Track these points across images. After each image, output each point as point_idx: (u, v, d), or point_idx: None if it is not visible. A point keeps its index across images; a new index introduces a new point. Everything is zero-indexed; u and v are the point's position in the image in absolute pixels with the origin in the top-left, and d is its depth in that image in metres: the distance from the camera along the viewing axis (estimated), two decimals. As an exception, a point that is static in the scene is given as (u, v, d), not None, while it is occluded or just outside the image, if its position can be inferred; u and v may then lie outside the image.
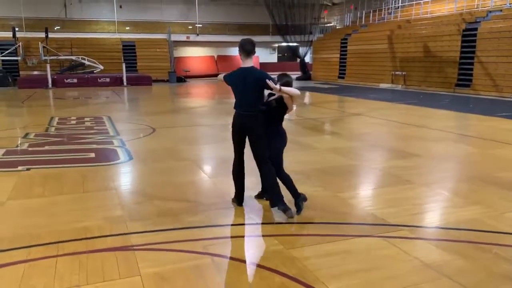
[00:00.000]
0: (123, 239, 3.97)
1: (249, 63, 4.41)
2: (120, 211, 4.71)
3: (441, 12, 23.44)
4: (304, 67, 32.49)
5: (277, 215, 4.50)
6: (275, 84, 4.22)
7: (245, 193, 4.86)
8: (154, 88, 24.50)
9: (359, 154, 7.47)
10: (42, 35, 27.78)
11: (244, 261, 3.58)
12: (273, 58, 40.18)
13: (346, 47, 28.25)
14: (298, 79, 31.58)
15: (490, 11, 19.88)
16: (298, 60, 35.00)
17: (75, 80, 24.79)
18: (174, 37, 32.17)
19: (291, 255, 3.60)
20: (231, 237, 4.04)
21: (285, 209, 4.41)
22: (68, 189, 5.51)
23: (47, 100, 18.03)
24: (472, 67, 19.12)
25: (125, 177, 6.23)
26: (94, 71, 27.64)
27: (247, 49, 4.37)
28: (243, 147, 4.61)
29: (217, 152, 7.75)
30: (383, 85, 23.95)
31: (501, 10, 19.68)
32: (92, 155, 7.47)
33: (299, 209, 4.54)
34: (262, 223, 4.33)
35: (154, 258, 3.61)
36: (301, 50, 33.15)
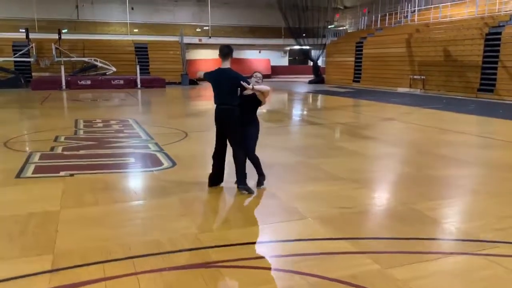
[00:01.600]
0: (202, 254, 3.67)
1: (226, 64, 5.21)
2: (186, 222, 4.41)
3: (461, 16, 23.12)
4: (317, 70, 32.21)
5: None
6: (248, 83, 5.05)
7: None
8: (168, 91, 24.26)
9: (411, 161, 7.15)
10: (55, 36, 27.63)
11: (343, 282, 3.27)
12: (284, 61, 39.96)
13: (361, 50, 27.95)
14: (310, 82, 31.32)
15: (514, 15, 19.56)
16: (311, 63, 34.75)
17: (88, 82, 24.58)
18: (186, 40, 31.95)
19: (393, 276, 3.29)
20: (320, 253, 3.72)
21: (246, 189, 5.27)
22: (121, 197, 5.22)
23: (65, 102, 17.81)
24: (496, 72, 18.80)
25: (175, 184, 5.91)
26: (107, 73, 27.42)
27: (224, 52, 5.18)
28: (224, 135, 5.35)
29: (262, 157, 7.42)
30: (401, 89, 23.64)
31: (524, 14, 19.36)
32: (132, 160, 7.18)
33: (260, 184, 5.48)
34: (347, 238, 4.01)
35: (243, 277, 3.31)
36: (314, 53, 32.89)
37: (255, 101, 5.34)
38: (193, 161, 7.13)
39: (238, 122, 5.22)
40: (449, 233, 4.19)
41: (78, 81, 24.40)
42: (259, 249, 3.78)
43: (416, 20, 26.18)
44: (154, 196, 5.26)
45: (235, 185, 5.39)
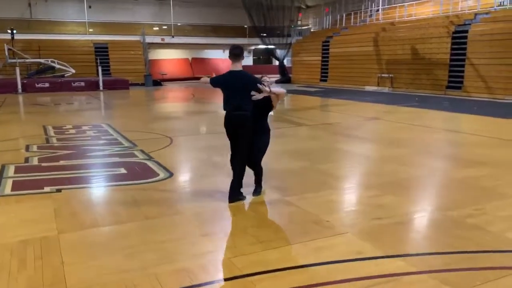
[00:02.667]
0: (245, 284, 3.15)
1: (238, 66, 4.83)
2: (211, 243, 3.88)
3: (425, 14, 23.54)
4: (283, 69, 32.00)
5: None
6: (264, 85, 4.71)
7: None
8: (133, 93, 23.24)
9: (421, 163, 6.87)
10: (6, 36, 25.85)
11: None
12: (248, 61, 39.52)
13: (327, 49, 27.97)
14: (277, 82, 31.04)
15: (478, 14, 20.05)
16: (276, 62, 34.47)
17: (47, 85, 23.12)
18: (148, 39, 30.87)
19: (473, 299, 2.92)
20: (384, 276, 3.27)
21: (241, 199, 4.94)
22: (125, 215, 4.58)
23: (25, 106, 16.52)
24: (463, 69, 19.19)
25: (182, 197, 5.32)
26: (65, 75, 25.96)
27: (236, 53, 4.80)
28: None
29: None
30: (368, 88, 23.79)
31: (487, 13, 19.88)
32: (123, 170, 6.50)
33: (256, 193, 5.13)
34: (400, 256, 3.60)
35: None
36: (279, 53, 32.65)
37: (266, 106, 5.03)
38: (190, 169, 6.56)
39: (251, 130, 4.88)
40: (508, 243, 3.87)
41: (36, 84, 22.89)
42: (312, 274, 3.30)
43: (381, 19, 26.47)
44: (163, 213, 4.66)
45: (251, 196, 4.92)
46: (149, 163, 6.94)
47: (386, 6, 27.50)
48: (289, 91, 23.20)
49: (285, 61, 32.88)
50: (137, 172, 6.48)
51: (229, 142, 5.08)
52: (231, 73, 4.86)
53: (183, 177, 6.08)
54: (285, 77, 31.48)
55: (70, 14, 31.34)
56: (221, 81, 4.96)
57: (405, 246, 3.80)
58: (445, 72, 20.10)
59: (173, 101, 19.96)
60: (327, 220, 4.35)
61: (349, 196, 5.22)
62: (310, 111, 14.02)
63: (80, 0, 30.95)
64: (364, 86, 24.09)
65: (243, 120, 4.81)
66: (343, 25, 29.07)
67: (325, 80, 27.89)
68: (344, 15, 29.41)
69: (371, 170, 6.46)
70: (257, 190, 5.19)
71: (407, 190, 5.41)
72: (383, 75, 23.24)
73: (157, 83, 28.73)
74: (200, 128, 10.80)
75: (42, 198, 5.19)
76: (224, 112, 4.91)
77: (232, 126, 4.87)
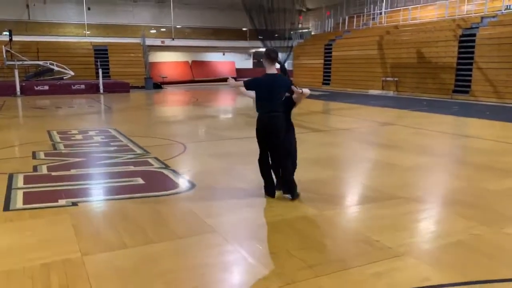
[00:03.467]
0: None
1: (273, 69, 4.98)
2: (253, 268, 3.48)
3: (430, 18, 23.30)
4: (284, 73, 31.42)
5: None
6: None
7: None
8: (134, 96, 22.79)
9: (455, 173, 6.51)
10: (3, 38, 25.39)
11: None
12: (248, 64, 39.17)
13: (330, 52, 27.68)
14: (278, 85, 30.68)
15: (485, 17, 19.82)
16: (277, 65, 34.10)
17: (46, 88, 22.62)
18: (148, 41, 30.45)
19: None
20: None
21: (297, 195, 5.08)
22: (153, 233, 4.17)
23: (26, 110, 16.05)
24: (471, 73, 18.93)
25: (211, 211, 4.90)
26: (64, 78, 25.47)
27: (272, 57, 4.95)
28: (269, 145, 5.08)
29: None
30: (372, 92, 23.50)
31: (494, 16, 19.66)
32: (140, 180, 6.09)
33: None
34: (476, 283, 3.22)
35: None
36: (281, 56, 32.30)
37: (289, 104, 5.21)
38: (212, 179, 6.15)
39: (284, 130, 5.07)
40: None
41: (35, 87, 22.39)
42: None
43: (384, 22, 26.21)
44: (194, 231, 4.26)
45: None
46: (167, 172, 6.54)
47: (389, 9, 27.28)
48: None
49: (286, 64, 32.54)
50: (156, 182, 6.08)
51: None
52: (268, 76, 4.98)
53: (207, 188, 5.67)
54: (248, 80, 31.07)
55: (69, 16, 30.87)
56: (258, 83, 5.02)
57: (476, 270, 3.41)
58: (452, 76, 19.83)
59: (176, 104, 19.54)
60: (376, 240, 3.97)
61: (394, 210, 4.84)
62: (321, 116, 13.67)
63: (79, 2, 30.50)
64: (368, 90, 23.79)
65: (277, 122, 4.96)
66: (346, 28, 28.82)
67: (328, 84, 27.58)
68: (346, 18, 29.13)
69: (407, 180, 6.09)
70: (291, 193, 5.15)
71: (454, 203, 5.03)
72: (387, 78, 22.95)
73: (158, 86, 28.31)
74: (211, 134, 10.40)
75: (58, 212, 4.78)
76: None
77: (267, 128, 4.97)
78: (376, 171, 6.57)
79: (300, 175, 5.82)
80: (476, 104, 17.07)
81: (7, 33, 24.98)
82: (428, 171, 6.61)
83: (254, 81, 5.07)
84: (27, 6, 29.92)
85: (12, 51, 24.76)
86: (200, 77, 34.35)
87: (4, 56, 24.19)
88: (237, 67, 37.01)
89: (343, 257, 3.68)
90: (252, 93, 5.22)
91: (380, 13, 27.52)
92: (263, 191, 5.33)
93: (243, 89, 5.19)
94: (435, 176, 6.29)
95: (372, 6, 28.54)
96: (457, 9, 21.60)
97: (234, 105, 20.78)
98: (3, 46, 24.31)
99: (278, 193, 5.25)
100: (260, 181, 5.52)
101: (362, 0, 29.95)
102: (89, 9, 30.60)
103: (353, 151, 8.34)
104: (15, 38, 25.03)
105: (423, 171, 6.62)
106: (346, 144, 9.01)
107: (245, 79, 5.18)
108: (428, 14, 23.85)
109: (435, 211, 4.76)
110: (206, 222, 4.49)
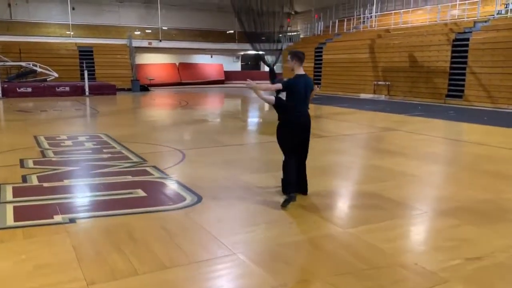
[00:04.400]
0: None
1: (302, 70, 5.12)
2: (289, 300, 3.06)
3: (421, 22, 23.23)
4: (273, 76, 31.26)
5: None
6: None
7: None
8: (121, 98, 22.16)
9: (474, 183, 6.18)
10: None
11: None
12: (236, 66, 38.71)
13: (320, 56, 27.44)
14: (267, 88, 30.30)
15: (477, 22, 19.79)
16: (265, 68, 33.77)
17: (29, 90, 21.83)
18: (135, 43, 29.79)
19: None
20: None
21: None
22: (165, 256, 3.72)
23: (9, 113, 15.32)
24: (464, 78, 18.85)
25: (223, 229, 4.45)
26: (48, 79, 24.67)
27: (302, 58, 5.11)
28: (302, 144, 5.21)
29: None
30: (364, 95, 23.30)
31: (486, 21, 19.65)
32: (141, 192, 5.61)
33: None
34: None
35: None
36: (270, 59, 31.93)
37: None
38: (218, 191, 5.71)
39: None
40: None
41: (17, 89, 21.57)
42: None
43: (375, 25, 26.09)
44: (211, 253, 3.82)
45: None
46: (169, 183, 6.09)
47: (380, 13, 27.17)
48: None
49: (275, 67, 32.19)
50: (158, 194, 5.61)
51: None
52: (301, 76, 5.08)
53: (214, 201, 5.24)
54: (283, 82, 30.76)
55: (53, 15, 29.95)
56: (296, 85, 5.03)
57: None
58: (444, 80, 19.73)
59: (166, 108, 18.99)
60: (414, 263, 3.59)
61: (421, 227, 4.49)
62: (318, 120, 13.27)
63: (63, 2, 29.62)
64: (359, 94, 23.60)
65: (310, 120, 5.21)
66: (336, 31, 28.62)
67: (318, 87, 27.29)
68: (336, 22, 28.94)
69: (427, 192, 5.75)
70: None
71: (483, 217, 4.69)
72: (379, 82, 22.79)
73: (144, 88, 27.66)
74: (208, 140, 9.94)
75: (55, 231, 4.29)
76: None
77: (306, 127, 5.15)
78: (391, 181, 6.21)
79: (311, 186, 5.46)
80: (471, 109, 16.96)
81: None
82: (444, 181, 6.30)
83: (294, 82, 5.05)
84: (9, 5, 28.95)
85: (-6, 52, 23.93)
86: (187, 80, 33.76)
87: (-15, 56, 23.38)
88: (225, 69, 36.52)
89: (381, 283, 3.29)
90: (272, 97, 5.21)
91: (371, 17, 27.40)
92: (276, 203, 4.94)
93: (263, 92, 5.28)
94: (454, 187, 5.96)
95: (362, 9, 28.42)
96: (449, 13, 21.57)
97: (224, 108, 20.36)
98: (-16, 47, 23.49)
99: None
100: (270, 192, 5.14)
101: (352, 4, 29.84)
102: (73, 9, 29.76)
103: (361, 158, 8.00)
104: (-4, 38, 24.21)
105: (439, 181, 6.30)
106: (352, 150, 8.65)
107: (283, 80, 5.27)
108: (420, 18, 23.78)
109: (467, 227, 4.41)
110: (221, 242, 4.05)
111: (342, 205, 5.36)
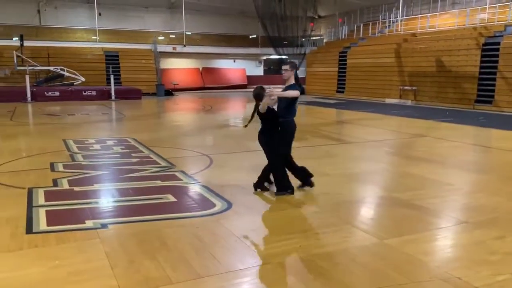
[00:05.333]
0: None
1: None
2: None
3: (450, 26, 22.76)
4: (297, 80, 30.97)
5: None
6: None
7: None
8: (146, 103, 22.37)
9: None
10: (13, 43, 25.18)
11: None
12: (259, 71, 38.72)
13: (345, 60, 27.16)
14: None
15: (508, 25, 19.27)
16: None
17: (57, 94, 22.26)
18: (160, 48, 30.10)
19: None
20: None
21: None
22: (199, 264, 3.65)
23: (38, 117, 15.61)
24: (494, 83, 18.34)
25: (256, 236, 4.36)
26: (75, 83, 25.12)
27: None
28: None
29: (331, 192, 6.00)
30: (389, 100, 22.92)
31: (519, 25, 19.11)
32: (171, 197, 5.58)
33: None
34: None
35: None
36: (293, 63, 31.80)
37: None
38: (247, 197, 5.63)
39: None
40: None
41: (45, 93, 22.03)
42: None
43: (401, 30, 25.69)
44: (244, 262, 3.73)
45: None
46: (198, 189, 6.04)
47: (406, 17, 26.76)
48: (309, 103, 22.40)
49: (299, 72, 32.08)
50: (188, 200, 5.56)
51: (288, 148, 5.78)
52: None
53: (244, 208, 5.15)
54: (299, 87, 30.58)
55: (80, 21, 30.59)
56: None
57: None
58: (473, 85, 19.23)
59: (190, 112, 19.06)
60: (458, 277, 3.42)
61: (462, 238, 4.31)
62: (344, 126, 13.14)
63: (90, 7, 30.22)
64: (385, 99, 23.23)
65: None
66: (360, 35, 28.32)
67: (342, 92, 27.05)
68: (361, 25, 28.64)
69: (464, 201, 5.55)
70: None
71: (526, 231, 4.48)
72: (405, 87, 22.38)
73: (169, 93, 27.90)
74: (233, 144, 9.88)
75: (87, 236, 4.27)
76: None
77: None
78: (425, 190, 6.01)
79: (342, 195, 5.33)
80: (502, 115, 16.48)
81: (18, 38, 24.78)
82: (481, 190, 6.07)
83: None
84: (38, 11, 29.69)
85: (23, 57, 24.49)
86: (210, 84, 33.93)
87: (15, 61, 23.92)
88: (248, 74, 36.57)
89: (427, 300, 3.14)
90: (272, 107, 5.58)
91: (396, 21, 27.01)
92: (309, 212, 4.82)
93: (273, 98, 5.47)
94: (492, 196, 5.72)
95: (387, 13, 28.07)
96: (478, 17, 21.06)
97: (247, 112, 20.27)
98: (14, 52, 24.06)
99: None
100: (302, 200, 5.02)
101: (377, 8, 29.51)
102: (100, 14, 30.29)
103: (392, 165, 7.80)
104: (26, 43, 24.79)
105: (476, 190, 6.08)
106: (382, 157, 8.45)
107: (298, 87, 5.67)
108: (447, 22, 23.32)
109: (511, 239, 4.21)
110: (254, 251, 3.97)
111: (377, 214, 5.20)
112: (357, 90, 25.67)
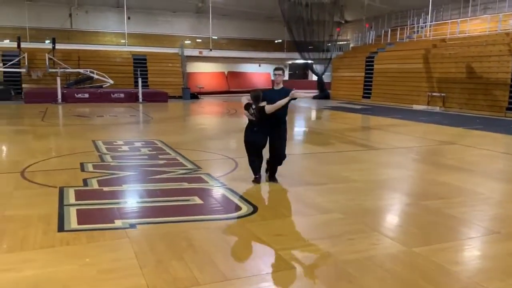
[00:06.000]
0: None
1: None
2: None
3: (480, 31, 22.27)
4: (322, 85, 30.95)
5: None
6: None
7: None
8: (172, 105, 22.66)
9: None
10: (45, 46, 25.92)
11: None
12: (284, 75, 38.69)
13: (372, 65, 26.89)
14: (315, 97, 29.97)
15: (543, 31, 18.74)
16: (312, 77, 33.55)
17: (86, 95, 22.79)
18: (186, 52, 30.45)
19: None
20: None
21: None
22: (226, 266, 3.67)
23: (68, 118, 16.02)
24: (527, 90, 17.85)
25: (283, 241, 4.37)
26: (104, 86, 25.65)
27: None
28: None
29: (358, 199, 5.95)
30: (417, 107, 22.52)
31: (553, 31, 18.54)
32: (197, 200, 5.63)
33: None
34: None
35: None
36: (318, 68, 31.63)
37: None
38: (273, 202, 5.65)
39: None
40: None
41: (75, 94, 22.58)
42: None
43: (430, 35, 25.28)
44: (271, 266, 3.73)
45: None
46: (224, 191, 6.07)
47: (435, 22, 26.32)
48: (335, 108, 22.28)
49: (323, 77, 31.88)
50: (214, 203, 5.61)
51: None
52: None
53: (270, 212, 5.16)
54: (324, 92, 30.46)
55: (110, 25, 31.28)
56: None
57: None
58: (505, 92, 18.73)
59: (216, 115, 19.23)
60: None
61: (494, 249, 4.20)
62: (371, 132, 12.99)
63: (119, 11, 30.85)
64: (412, 105, 22.84)
65: None
66: (388, 40, 28.00)
67: (368, 97, 26.77)
68: (389, 30, 28.33)
69: (496, 211, 5.40)
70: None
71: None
72: (434, 94, 21.99)
73: (194, 96, 28.18)
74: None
75: (116, 236, 4.35)
76: None
77: None
78: (455, 198, 5.89)
79: (370, 201, 5.26)
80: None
81: (50, 41, 25.51)
82: (515, 200, 5.90)
83: None
84: (70, 15, 30.49)
85: (55, 59, 25.21)
86: (235, 88, 34.09)
87: (47, 63, 24.65)
88: (273, 78, 36.60)
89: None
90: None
91: (425, 26, 26.59)
92: (335, 219, 4.80)
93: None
94: (526, 207, 5.56)
95: (416, 18, 27.66)
96: (510, 22, 20.54)
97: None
98: (46, 54, 24.79)
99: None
100: (327, 207, 4.98)
101: (405, 13, 29.12)
102: (129, 18, 30.87)
103: (420, 173, 7.68)
104: (57, 46, 25.50)
105: (508, 200, 5.91)
106: (410, 164, 8.33)
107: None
108: (478, 27, 22.83)
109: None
110: (280, 255, 3.96)
111: (404, 222, 5.12)
112: (384, 96, 25.36)
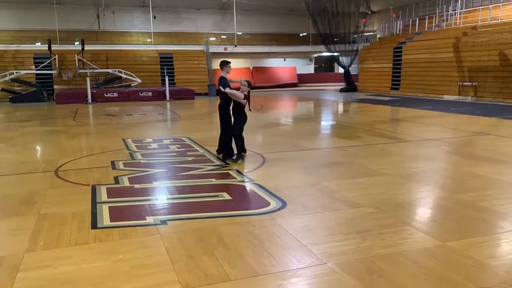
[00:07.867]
0: None
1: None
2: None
3: (513, 17, 21.49)
4: (349, 77, 30.56)
5: None
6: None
7: None
8: (199, 102, 22.83)
9: None
10: (75, 47, 26.54)
11: None
12: (310, 69, 38.45)
13: (400, 56, 26.35)
14: (342, 90, 29.66)
15: None
16: (338, 70, 33.17)
17: (115, 95, 23.23)
18: (212, 49, 30.60)
19: None
20: None
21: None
22: (256, 262, 3.67)
23: (98, 117, 16.38)
24: None
25: (314, 236, 4.33)
26: (132, 85, 26.09)
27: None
28: None
29: (390, 193, 5.85)
30: (447, 97, 21.97)
31: None
32: (226, 195, 5.66)
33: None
34: None
35: None
36: (345, 60, 31.23)
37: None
38: (302, 197, 5.59)
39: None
40: None
41: (105, 94, 23.06)
42: None
43: (460, 23, 24.55)
44: (303, 261, 3.70)
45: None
46: (252, 187, 6.08)
47: (465, 10, 25.53)
48: (359, 100, 21.95)
49: (351, 69, 31.46)
50: (243, 198, 5.63)
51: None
52: None
53: (301, 208, 5.12)
54: (351, 85, 30.08)
55: (136, 24, 31.76)
56: None
57: None
58: (541, 80, 18.05)
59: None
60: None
61: (534, 243, 4.05)
62: (400, 124, 12.72)
63: (145, 11, 31.26)
64: (443, 95, 22.30)
65: None
66: (416, 30, 27.35)
67: (397, 89, 26.26)
68: (417, 20, 27.66)
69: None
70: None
71: None
72: (465, 83, 21.37)
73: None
74: (286, 143, 9.86)
75: (148, 232, 4.42)
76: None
77: None
78: (491, 190, 5.71)
79: (402, 195, 5.15)
80: None
81: (80, 42, 26.12)
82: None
83: None
84: (98, 16, 31.11)
85: (84, 60, 25.80)
86: (261, 83, 34.07)
87: (77, 64, 25.27)
88: (298, 72, 36.40)
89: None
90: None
91: (454, 14, 25.84)
92: (366, 213, 4.73)
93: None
94: None
95: (444, 6, 26.91)
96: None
97: (298, 111, 20.16)
98: (76, 55, 25.41)
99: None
100: (357, 202, 4.90)
101: (433, 1, 28.38)
102: (154, 17, 31.24)
103: (453, 165, 7.47)
104: (86, 47, 26.08)
105: (548, 192, 5.68)
106: (442, 156, 8.12)
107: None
108: (511, 13, 22.01)
109: None
110: (312, 251, 3.93)
111: (438, 216, 4.99)
112: (413, 87, 24.84)
